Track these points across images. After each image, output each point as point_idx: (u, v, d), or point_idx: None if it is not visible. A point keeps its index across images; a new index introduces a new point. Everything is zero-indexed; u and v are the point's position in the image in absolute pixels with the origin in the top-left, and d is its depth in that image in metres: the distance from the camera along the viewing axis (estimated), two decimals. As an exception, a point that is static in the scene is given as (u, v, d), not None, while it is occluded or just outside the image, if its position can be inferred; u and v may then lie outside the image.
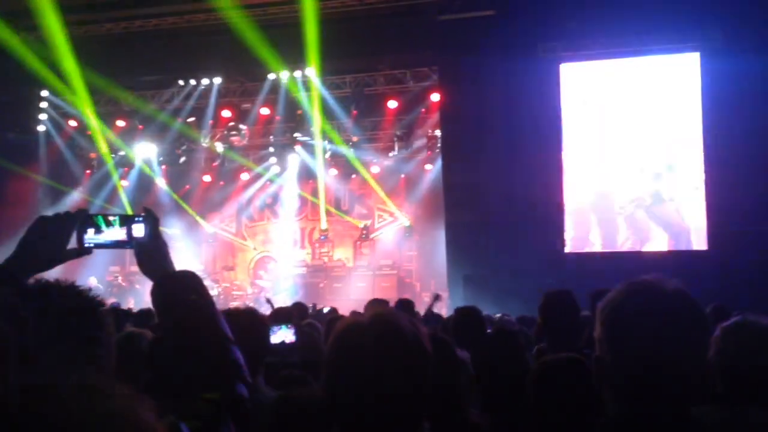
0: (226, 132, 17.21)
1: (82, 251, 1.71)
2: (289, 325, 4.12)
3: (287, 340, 4.06)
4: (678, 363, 1.51)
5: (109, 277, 17.59)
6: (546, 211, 12.27)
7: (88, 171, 18.34)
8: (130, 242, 1.74)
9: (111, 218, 1.74)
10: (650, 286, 1.58)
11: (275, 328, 4.09)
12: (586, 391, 2.18)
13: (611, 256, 12.03)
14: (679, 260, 11.35)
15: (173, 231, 17.71)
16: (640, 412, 1.51)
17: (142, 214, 1.76)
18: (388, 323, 1.51)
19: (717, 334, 2.23)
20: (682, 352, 1.51)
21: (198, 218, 18.82)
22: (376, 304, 6.10)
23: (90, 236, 1.72)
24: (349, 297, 16.02)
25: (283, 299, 16.09)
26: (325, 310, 7.94)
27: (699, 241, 11.90)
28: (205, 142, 17.92)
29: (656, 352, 1.50)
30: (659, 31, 12.01)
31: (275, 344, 4.01)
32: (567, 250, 12.42)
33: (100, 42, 14.37)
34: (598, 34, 12.29)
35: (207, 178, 18.93)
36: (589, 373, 2.19)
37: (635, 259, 11.55)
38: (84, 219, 1.72)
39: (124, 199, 17.93)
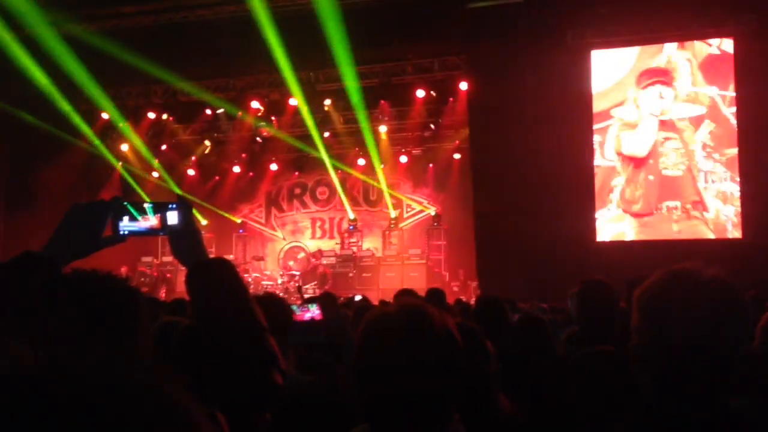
0: (254, 123, 17.33)
1: (117, 239, 1.73)
2: (315, 304, 4.12)
3: (313, 318, 4.06)
4: (717, 352, 1.48)
5: (141, 267, 17.81)
6: (577, 200, 12.15)
7: (119, 162, 18.55)
8: (165, 229, 1.75)
9: (145, 206, 1.75)
10: (689, 273, 1.55)
11: (302, 306, 4.09)
12: (620, 383, 2.15)
13: (643, 244, 11.89)
14: (713, 249, 11.17)
15: (204, 221, 17.91)
16: (677, 402, 1.49)
17: (176, 201, 1.77)
18: (416, 313, 1.50)
19: (762, 324, 2.18)
20: (722, 340, 1.48)
21: (221, 213, 18.98)
22: (405, 294, 6.10)
23: (125, 224, 1.73)
24: (379, 286, 16.06)
25: (313, 289, 16.21)
26: (357, 298, 7.94)
27: (733, 230, 11.71)
28: (234, 133, 18.07)
29: (695, 341, 1.48)
30: (692, 16, 11.79)
31: (302, 322, 4.02)
32: (598, 238, 12.30)
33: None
34: (629, 20, 12.10)
35: (236, 169, 19.09)
36: (624, 364, 2.16)
37: (668, 248, 11.38)
38: (118, 206, 1.73)
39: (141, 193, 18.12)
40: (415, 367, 1.43)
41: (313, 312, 4.00)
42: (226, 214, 19.16)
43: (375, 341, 1.49)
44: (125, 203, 1.75)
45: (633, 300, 1.60)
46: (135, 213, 1.74)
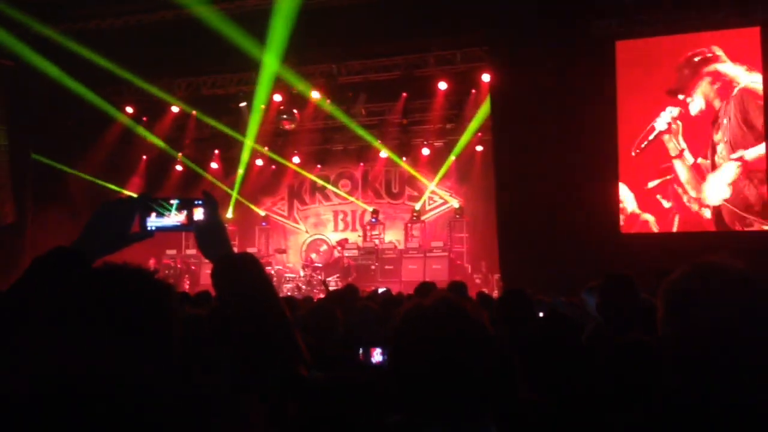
0: (277, 116, 17.38)
1: (145, 234, 1.77)
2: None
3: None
4: (744, 344, 1.47)
5: (167, 260, 18.01)
6: (601, 191, 12.05)
7: (144, 156, 18.72)
8: (191, 225, 1.79)
9: (172, 202, 1.79)
10: (715, 266, 1.54)
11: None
12: (647, 373, 2.14)
13: (668, 235, 11.78)
14: (739, 240, 11.03)
15: (226, 215, 18.05)
16: (703, 394, 1.48)
17: (202, 197, 1.80)
18: (453, 306, 1.53)
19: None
20: (749, 333, 1.47)
21: (246, 203, 19.12)
22: (425, 288, 6.13)
23: (152, 220, 1.77)
24: (401, 279, 16.09)
25: (335, 282, 16.27)
26: (381, 290, 8.01)
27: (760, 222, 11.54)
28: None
29: (721, 333, 1.47)
30: (718, 4, 11.61)
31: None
32: (623, 230, 12.20)
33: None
34: (656, 9, 11.94)
35: (259, 162, 19.20)
36: (651, 356, 2.16)
37: (693, 239, 11.26)
38: (146, 203, 1.77)
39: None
40: (451, 357, 1.46)
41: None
42: (251, 205, 19.27)
43: (413, 333, 1.52)
44: (153, 199, 1.78)
45: (658, 293, 1.60)
46: (162, 209, 1.77)
